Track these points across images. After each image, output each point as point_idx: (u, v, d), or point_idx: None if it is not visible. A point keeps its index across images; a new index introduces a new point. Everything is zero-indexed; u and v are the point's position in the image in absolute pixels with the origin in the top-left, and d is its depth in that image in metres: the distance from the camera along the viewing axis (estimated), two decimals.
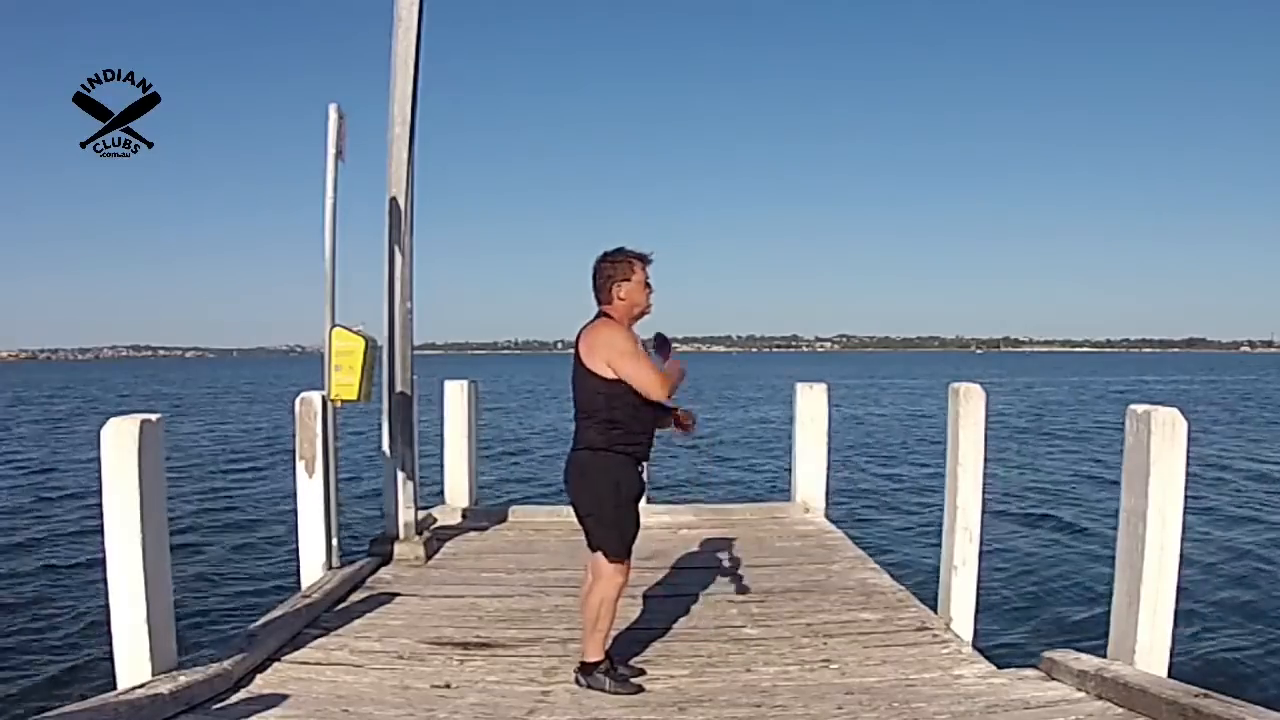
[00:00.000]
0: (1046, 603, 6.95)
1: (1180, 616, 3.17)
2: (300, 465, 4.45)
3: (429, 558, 4.93)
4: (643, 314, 3.13)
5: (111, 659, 2.96)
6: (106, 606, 2.96)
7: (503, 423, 23.41)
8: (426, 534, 5.16)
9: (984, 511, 4.04)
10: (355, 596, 4.22)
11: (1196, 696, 2.57)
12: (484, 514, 6.15)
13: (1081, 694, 2.95)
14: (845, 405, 29.18)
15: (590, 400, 3.02)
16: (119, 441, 2.88)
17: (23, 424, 25.80)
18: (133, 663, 2.91)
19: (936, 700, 2.93)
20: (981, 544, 4.04)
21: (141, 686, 2.77)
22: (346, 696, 2.98)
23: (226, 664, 3.04)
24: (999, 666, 3.34)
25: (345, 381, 4.33)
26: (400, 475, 5.04)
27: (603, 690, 3.02)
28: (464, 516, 6.03)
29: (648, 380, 2.96)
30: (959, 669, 3.27)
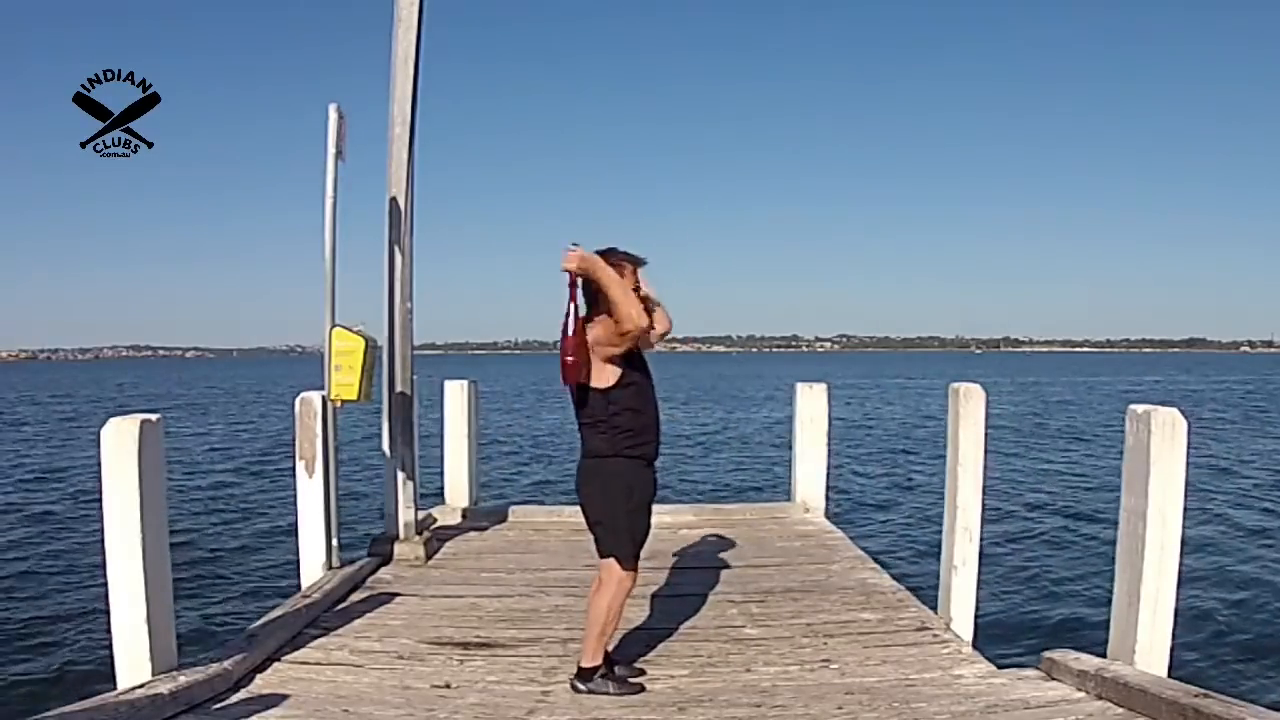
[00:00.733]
0: (1046, 603, 6.95)
1: (1180, 616, 3.16)
2: (300, 465, 4.44)
3: (429, 558, 4.93)
4: None
5: (111, 659, 2.95)
6: (106, 606, 2.96)
7: (503, 423, 23.43)
8: (426, 534, 5.16)
9: (984, 511, 4.04)
10: (355, 596, 4.22)
11: (1196, 696, 2.57)
12: (484, 514, 6.14)
13: (1081, 694, 2.95)
14: (845, 405, 29.20)
15: (590, 404, 3.01)
16: (119, 441, 2.87)
17: (23, 424, 25.80)
18: (133, 663, 2.91)
19: (936, 700, 2.92)
20: (981, 544, 4.05)
21: (141, 686, 2.77)
22: (346, 696, 2.98)
23: (226, 664, 3.04)
24: (999, 666, 3.33)
25: (345, 381, 4.33)
26: (400, 475, 5.04)
27: (606, 694, 3.00)
28: (464, 516, 6.03)
29: (630, 306, 2.86)
30: (959, 669, 3.26)
